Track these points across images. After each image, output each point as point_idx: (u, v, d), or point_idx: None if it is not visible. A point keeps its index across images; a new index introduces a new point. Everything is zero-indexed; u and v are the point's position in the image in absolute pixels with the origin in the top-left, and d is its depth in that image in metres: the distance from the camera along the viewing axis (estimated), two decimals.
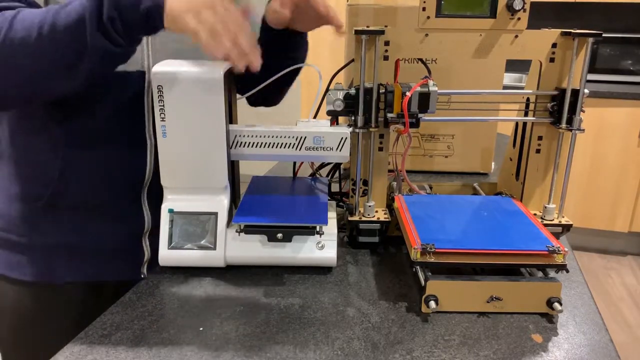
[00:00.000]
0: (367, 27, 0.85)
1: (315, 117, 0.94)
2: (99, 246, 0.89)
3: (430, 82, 0.82)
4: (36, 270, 0.88)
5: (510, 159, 0.98)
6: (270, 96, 1.09)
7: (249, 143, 0.82)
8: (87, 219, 0.87)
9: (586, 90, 0.84)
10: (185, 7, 0.68)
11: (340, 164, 0.99)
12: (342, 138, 0.82)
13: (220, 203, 0.82)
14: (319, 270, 0.83)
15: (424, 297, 0.71)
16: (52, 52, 0.67)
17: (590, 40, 0.82)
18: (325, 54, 2.83)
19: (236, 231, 0.81)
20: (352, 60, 0.87)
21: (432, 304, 0.70)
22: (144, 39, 0.83)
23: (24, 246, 0.87)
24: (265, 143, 0.82)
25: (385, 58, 0.85)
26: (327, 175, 1.02)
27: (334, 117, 0.87)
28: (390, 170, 0.94)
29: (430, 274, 0.72)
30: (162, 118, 0.77)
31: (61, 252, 0.88)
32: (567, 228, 0.90)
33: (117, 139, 0.85)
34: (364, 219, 0.89)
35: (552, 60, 0.86)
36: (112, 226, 0.89)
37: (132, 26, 0.69)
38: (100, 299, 0.90)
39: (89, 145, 0.84)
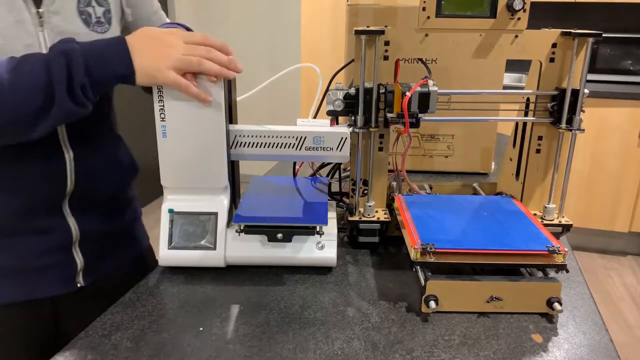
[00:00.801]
0: (367, 27, 0.85)
1: (315, 117, 0.94)
2: (26, 264, 0.85)
3: (430, 82, 0.82)
4: None
5: (510, 159, 0.98)
6: None
7: (249, 143, 0.82)
8: (10, 238, 0.83)
9: (586, 90, 0.84)
10: (154, 61, 0.70)
11: (340, 164, 0.99)
12: (342, 138, 0.82)
13: (220, 203, 0.82)
14: (319, 270, 0.83)
15: (424, 297, 0.71)
16: (11, 108, 0.67)
17: (590, 40, 0.82)
18: (325, 54, 2.83)
19: (236, 231, 0.81)
20: (352, 60, 0.87)
21: (432, 304, 0.70)
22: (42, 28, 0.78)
23: None
24: (265, 143, 0.82)
25: (385, 58, 0.85)
26: (327, 175, 1.02)
27: (334, 117, 0.87)
28: (390, 170, 0.93)
29: (430, 274, 0.72)
30: (162, 118, 0.77)
31: None
32: (567, 228, 0.90)
33: (28, 154, 0.80)
34: (364, 219, 0.89)
35: (552, 60, 0.86)
36: (37, 242, 0.85)
37: (102, 90, 0.71)
38: (38, 316, 0.87)
39: None
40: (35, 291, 0.87)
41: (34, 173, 0.81)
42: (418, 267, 0.73)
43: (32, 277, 0.86)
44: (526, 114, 0.93)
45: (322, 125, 0.84)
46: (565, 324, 0.70)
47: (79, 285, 0.90)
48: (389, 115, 0.84)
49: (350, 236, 0.92)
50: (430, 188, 1.04)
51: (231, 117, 0.86)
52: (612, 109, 2.76)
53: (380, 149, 0.89)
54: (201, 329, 0.68)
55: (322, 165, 1.03)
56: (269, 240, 0.80)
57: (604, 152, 2.84)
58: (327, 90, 0.86)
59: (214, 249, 0.80)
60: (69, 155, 0.83)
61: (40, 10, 0.75)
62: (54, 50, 0.68)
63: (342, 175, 1.03)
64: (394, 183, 0.99)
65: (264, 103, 3.61)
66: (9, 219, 0.82)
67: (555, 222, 0.90)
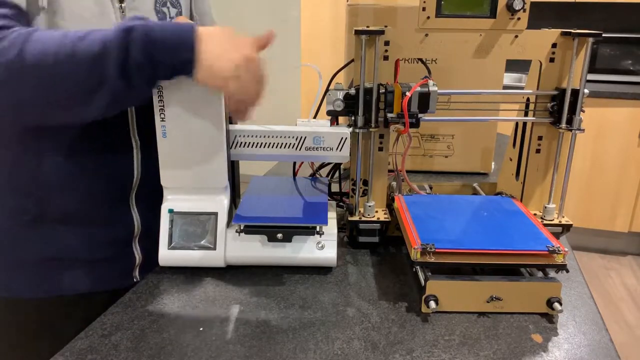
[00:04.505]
0: (367, 27, 0.85)
1: (315, 117, 0.94)
2: (89, 256, 0.86)
3: (430, 82, 0.82)
4: (26, 286, 0.85)
5: (510, 159, 0.98)
6: None
7: (249, 143, 0.82)
8: (75, 229, 0.84)
9: (586, 90, 0.84)
10: (228, 67, 0.67)
11: (340, 164, 0.99)
12: (342, 138, 0.82)
13: (220, 203, 0.82)
14: (319, 270, 0.83)
15: (424, 297, 0.71)
16: (66, 82, 0.65)
17: (590, 40, 0.82)
18: (325, 54, 2.83)
19: (236, 231, 0.81)
20: (352, 60, 0.87)
21: (432, 304, 0.70)
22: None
23: (12, 263, 0.85)
24: (265, 143, 0.82)
25: (385, 58, 0.85)
26: (327, 175, 1.02)
27: (334, 117, 0.87)
28: (390, 170, 0.94)
29: (430, 274, 0.72)
30: (162, 118, 0.77)
31: (51, 265, 0.85)
32: (567, 228, 0.90)
33: (100, 144, 0.82)
34: (364, 219, 0.89)
35: (552, 60, 0.86)
36: (101, 234, 0.86)
37: (159, 75, 0.68)
38: (94, 309, 0.87)
39: (70, 153, 0.80)
40: (95, 283, 0.88)
41: (105, 161, 0.83)
42: (418, 267, 0.73)
43: (94, 269, 0.87)
44: (526, 114, 0.93)
45: (322, 125, 0.84)
46: (565, 324, 0.70)
47: (134, 280, 0.91)
48: (389, 115, 0.84)
49: (350, 236, 0.92)
50: (430, 188, 1.04)
51: (231, 117, 0.86)
52: (612, 109, 2.76)
53: (380, 149, 0.89)
54: (201, 329, 0.68)
55: (322, 165, 1.03)
56: (269, 240, 0.80)
57: (604, 152, 2.84)
58: (327, 90, 0.86)
59: (214, 249, 0.80)
60: (136, 145, 0.85)
61: (123, 5, 0.79)
62: (118, 26, 0.65)
63: (342, 175, 1.03)
64: (394, 183, 0.99)
65: (264, 103, 3.61)
66: (80, 207, 0.84)
67: (555, 222, 0.90)
